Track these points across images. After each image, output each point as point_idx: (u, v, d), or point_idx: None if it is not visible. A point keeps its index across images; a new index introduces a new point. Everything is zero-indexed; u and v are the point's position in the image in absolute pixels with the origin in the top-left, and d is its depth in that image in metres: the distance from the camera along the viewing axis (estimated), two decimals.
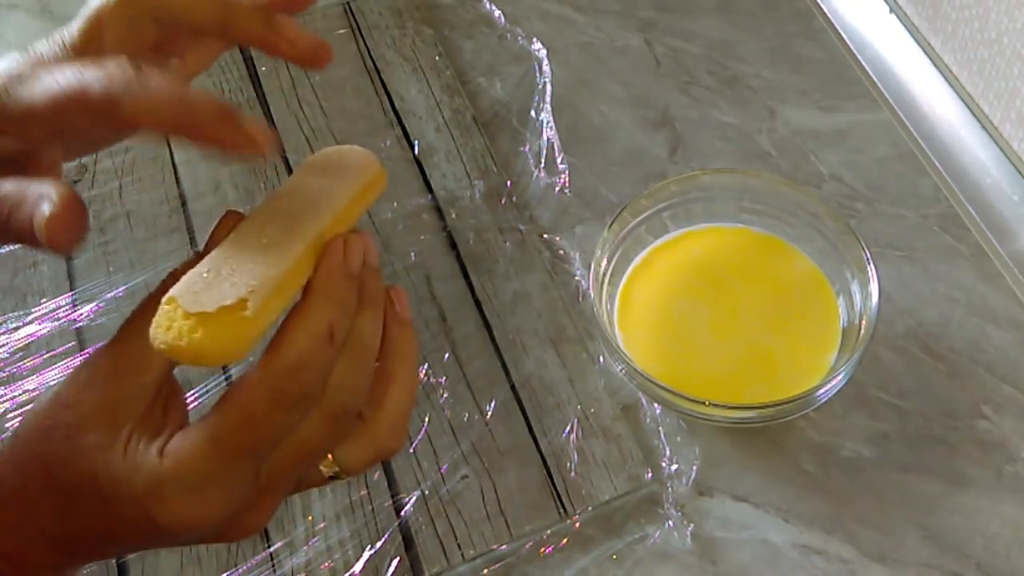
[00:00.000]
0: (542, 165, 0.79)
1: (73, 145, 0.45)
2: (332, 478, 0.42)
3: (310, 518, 0.62)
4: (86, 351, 0.69)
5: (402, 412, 0.42)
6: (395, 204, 0.76)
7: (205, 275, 0.37)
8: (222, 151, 0.37)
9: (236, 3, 0.41)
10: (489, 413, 0.66)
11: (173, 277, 0.38)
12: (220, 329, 0.36)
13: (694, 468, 0.64)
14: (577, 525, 0.62)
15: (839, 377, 0.61)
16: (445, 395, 0.67)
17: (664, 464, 0.64)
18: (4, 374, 0.69)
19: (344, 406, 0.39)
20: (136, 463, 0.37)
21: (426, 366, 0.68)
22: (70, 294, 0.72)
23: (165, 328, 0.36)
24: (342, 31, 0.86)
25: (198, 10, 0.41)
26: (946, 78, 0.81)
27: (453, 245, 0.74)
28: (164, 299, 0.37)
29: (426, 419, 0.66)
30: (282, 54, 0.41)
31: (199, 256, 0.39)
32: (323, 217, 0.40)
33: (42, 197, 0.37)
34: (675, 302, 0.68)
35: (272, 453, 0.38)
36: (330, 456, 0.41)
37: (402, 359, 0.42)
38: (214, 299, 0.36)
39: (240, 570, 0.60)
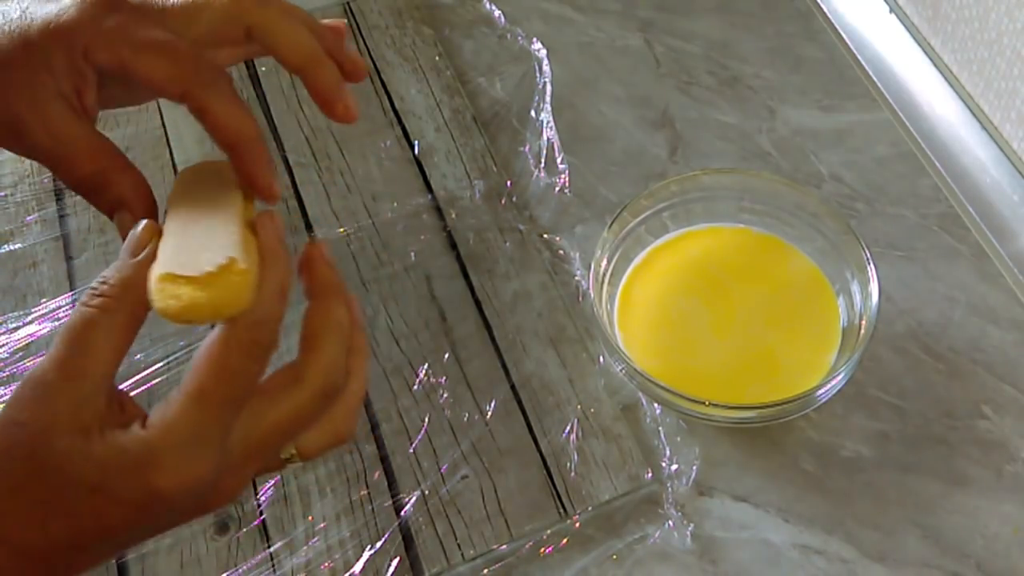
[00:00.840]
0: (542, 165, 0.79)
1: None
2: (287, 460, 0.44)
3: (310, 518, 0.62)
4: None
5: (358, 402, 0.45)
6: (395, 204, 0.76)
7: (179, 254, 0.41)
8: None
9: (321, 55, 0.48)
10: (489, 413, 0.66)
11: (99, 293, 0.40)
12: (226, 283, 0.40)
13: (694, 468, 0.64)
14: (577, 525, 0.62)
15: (839, 377, 0.61)
16: (445, 395, 0.67)
17: (664, 464, 0.64)
18: (4, 374, 0.69)
19: (334, 384, 0.42)
20: (121, 444, 0.38)
21: (426, 366, 0.68)
22: (70, 294, 0.72)
23: (174, 298, 0.40)
24: None
25: (295, 47, 0.48)
26: (946, 78, 0.81)
27: (453, 245, 0.74)
28: (157, 277, 0.40)
29: (426, 419, 0.66)
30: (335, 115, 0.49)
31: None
32: (234, 204, 0.44)
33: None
34: (675, 302, 0.68)
35: (251, 416, 0.40)
36: None
37: (358, 355, 0.45)
38: (207, 265, 0.40)
39: (240, 570, 0.60)
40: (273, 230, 0.42)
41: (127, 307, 0.40)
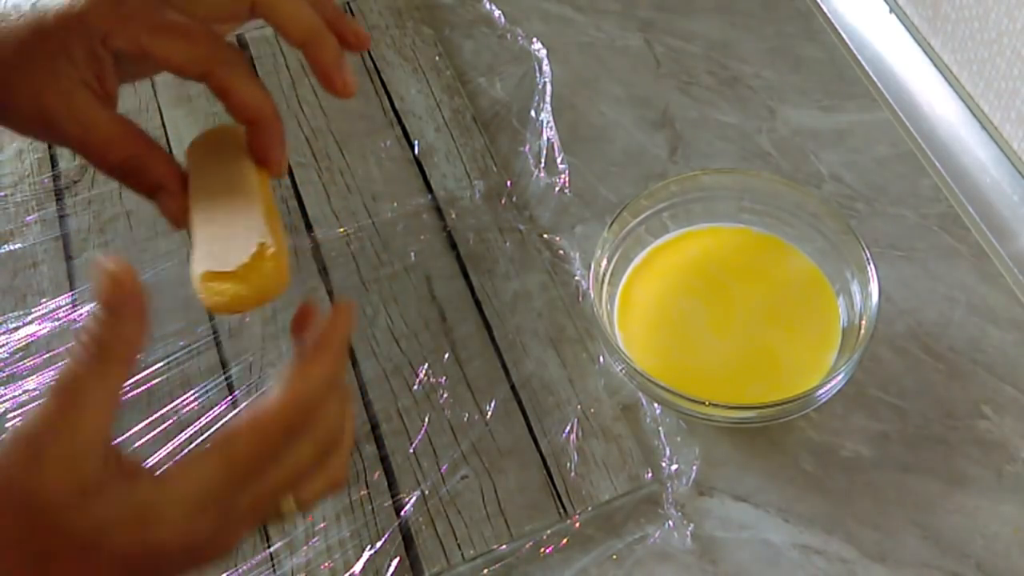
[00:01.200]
0: (542, 165, 0.79)
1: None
2: (286, 513, 0.43)
3: (310, 518, 0.62)
4: None
5: (349, 450, 0.46)
6: (395, 204, 0.76)
7: (213, 246, 0.43)
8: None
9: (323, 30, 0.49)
10: (489, 413, 0.66)
11: (86, 349, 0.38)
12: (262, 270, 0.42)
13: (694, 468, 0.64)
14: (577, 525, 0.62)
15: (839, 377, 0.61)
16: (445, 395, 0.67)
17: (664, 464, 0.64)
18: (4, 374, 0.69)
19: (335, 439, 0.43)
20: (126, 492, 0.37)
21: (426, 366, 0.68)
22: (70, 294, 0.72)
23: (218, 295, 0.42)
24: None
25: (297, 23, 0.48)
26: (946, 78, 0.81)
27: (453, 245, 0.74)
28: (199, 277, 0.42)
29: (426, 419, 0.66)
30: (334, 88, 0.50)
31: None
32: (250, 178, 0.47)
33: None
34: (675, 302, 0.68)
35: (265, 475, 0.40)
36: None
37: (347, 401, 0.46)
38: (241, 254, 0.42)
39: (240, 570, 0.60)
40: (345, 324, 0.43)
41: (115, 364, 0.39)
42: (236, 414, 0.40)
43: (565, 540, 0.61)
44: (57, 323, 0.71)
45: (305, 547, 0.61)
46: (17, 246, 0.75)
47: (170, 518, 0.37)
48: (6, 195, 0.78)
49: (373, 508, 0.62)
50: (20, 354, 0.70)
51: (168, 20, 0.46)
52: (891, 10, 0.86)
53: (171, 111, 0.82)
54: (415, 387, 0.67)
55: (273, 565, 0.60)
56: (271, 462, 0.40)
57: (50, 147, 0.80)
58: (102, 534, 0.37)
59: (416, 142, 0.80)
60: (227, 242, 0.43)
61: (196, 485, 0.38)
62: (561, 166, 0.78)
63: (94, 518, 0.37)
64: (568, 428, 0.65)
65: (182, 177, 0.47)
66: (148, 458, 0.40)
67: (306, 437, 0.42)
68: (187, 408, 0.66)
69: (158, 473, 0.38)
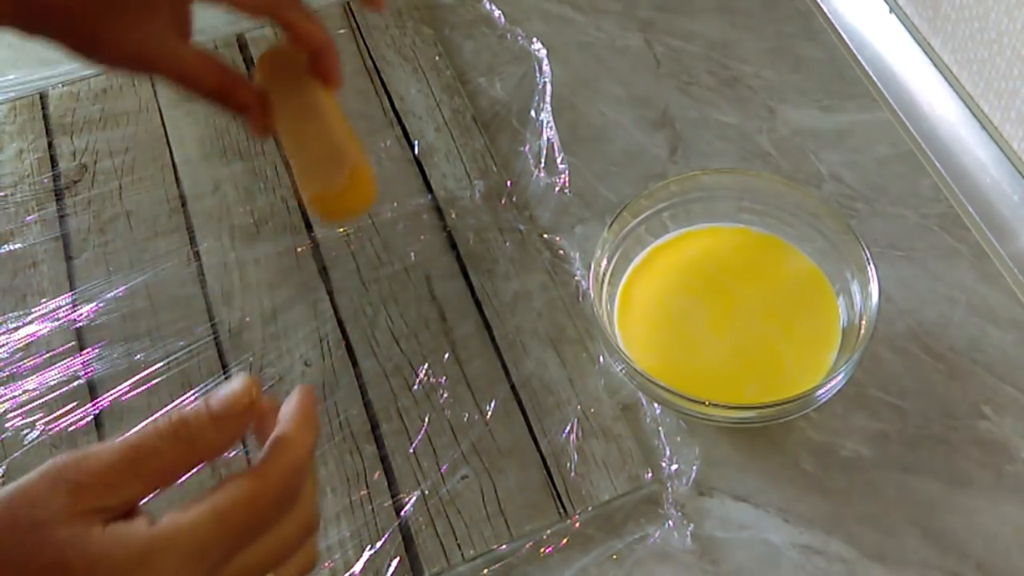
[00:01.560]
0: (542, 165, 0.79)
1: None
2: None
3: None
4: (86, 351, 0.69)
5: (316, 531, 0.46)
6: (395, 204, 0.76)
7: (313, 169, 0.53)
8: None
9: None
10: (489, 413, 0.66)
11: (181, 435, 0.39)
12: (358, 187, 0.53)
13: (694, 468, 0.64)
14: (577, 525, 0.62)
15: (839, 377, 0.61)
16: (445, 395, 0.67)
17: (664, 464, 0.64)
18: (4, 374, 0.69)
19: (316, 517, 0.44)
20: (119, 539, 0.37)
21: (426, 366, 0.68)
22: (70, 294, 0.72)
23: (330, 212, 0.54)
24: (342, 31, 0.86)
25: None
26: (946, 78, 0.81)
27: (453, 245, 0.74)
28: (309, 199, 0.54)
29: (426, 419, 0.66)
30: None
31: None
32: (322, 100, 0.56)
33: None
34: (675, 302, 0.68)
35: (254, 544, 0.41)
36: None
37: (317, 488, 0.47)
38: (339, 175, 0.52)
39: None
40: (311, 399, 0.45)
41: (187, 466, 0.40)
42: (226, 477, 0.40)
43: (565, 540, 0.62)
44: (57, 323, 0.71)
45: None
46: (17, 246, 0.75)
47: (160, 567, 0.37)
48: (6, 195, 0.78)
49: (373, 508, 0.62)
50: (20, 354, 0.70)
51: None
52: (891, 10, 0.86)
53: (171, 111, 0.82)
54: (415, 387, 0.67)
55: None
56: (261, 530, 0.40)
57: (50, 147, 0.80)
58: (93, 572, 0.37)
59: (416, 142, 0.80)
60: (325, 165, 0.53)
61: (188, 538, 0.38)
62: (561, 166, 0.78)
63: (91, 554, 0.37)
64: (568, 428, 0.65)
65: (261, 97, 0.57)
66: None
67: (292, 512, 0.42)
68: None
69: (157, 523, 0.38)
